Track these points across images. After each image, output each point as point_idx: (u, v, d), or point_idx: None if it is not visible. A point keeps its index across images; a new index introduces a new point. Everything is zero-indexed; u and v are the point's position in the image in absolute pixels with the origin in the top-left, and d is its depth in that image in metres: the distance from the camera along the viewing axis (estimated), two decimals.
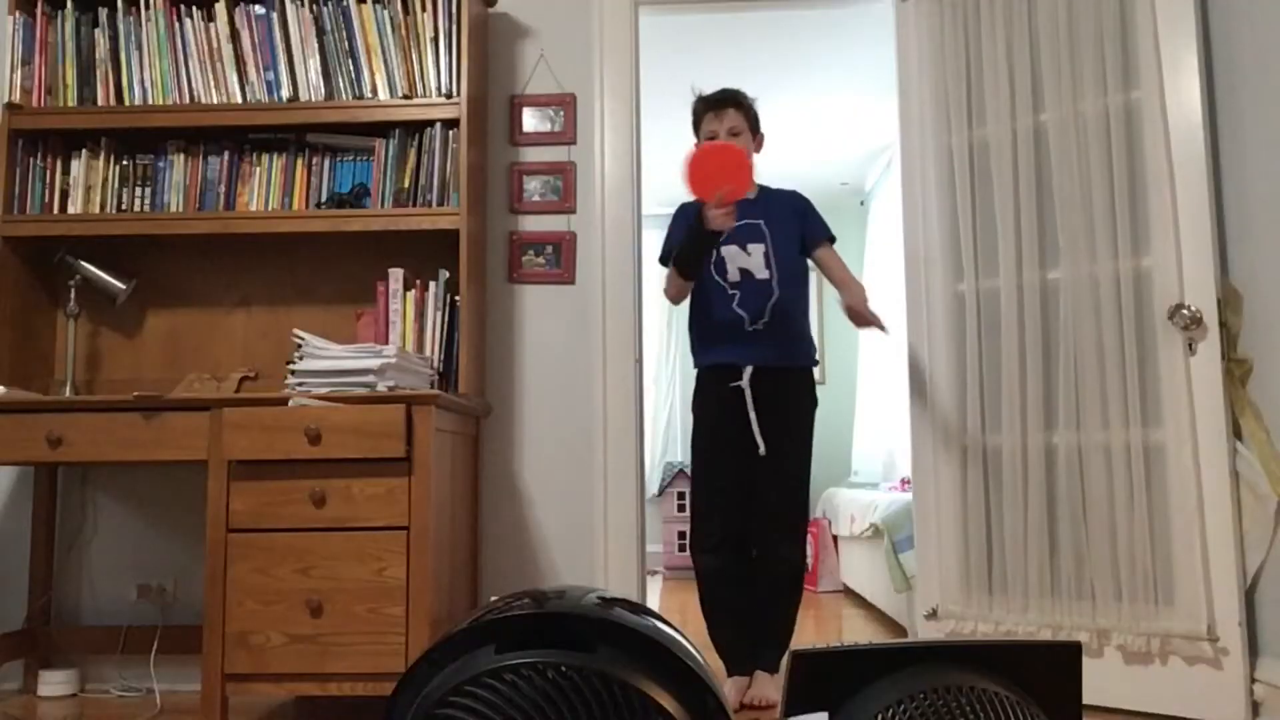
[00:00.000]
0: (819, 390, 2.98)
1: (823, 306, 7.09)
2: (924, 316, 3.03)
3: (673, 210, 3.03)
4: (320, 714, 2.77)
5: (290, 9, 2.99)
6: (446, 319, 2.92)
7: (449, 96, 2.93)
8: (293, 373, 2.55)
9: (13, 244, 2.93)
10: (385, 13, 2.97)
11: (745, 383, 2.78)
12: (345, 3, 2.98)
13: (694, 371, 2.97)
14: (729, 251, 2.86)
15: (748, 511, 2.82)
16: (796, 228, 2.92)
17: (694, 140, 2.98)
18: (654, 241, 3.01)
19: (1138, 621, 2.61)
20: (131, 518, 3.11)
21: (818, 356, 3.05)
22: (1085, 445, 2.72)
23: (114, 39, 3.01)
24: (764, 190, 2.97)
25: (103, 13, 3.02)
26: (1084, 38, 2.79)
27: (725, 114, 2.91)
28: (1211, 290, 2.56)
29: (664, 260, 2.93)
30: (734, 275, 2.85)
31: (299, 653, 2.38)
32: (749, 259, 2.85)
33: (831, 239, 2.95)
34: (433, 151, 2.93)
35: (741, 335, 2.83)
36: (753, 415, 2.77)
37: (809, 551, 5.82)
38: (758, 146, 2.97)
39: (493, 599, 1.44)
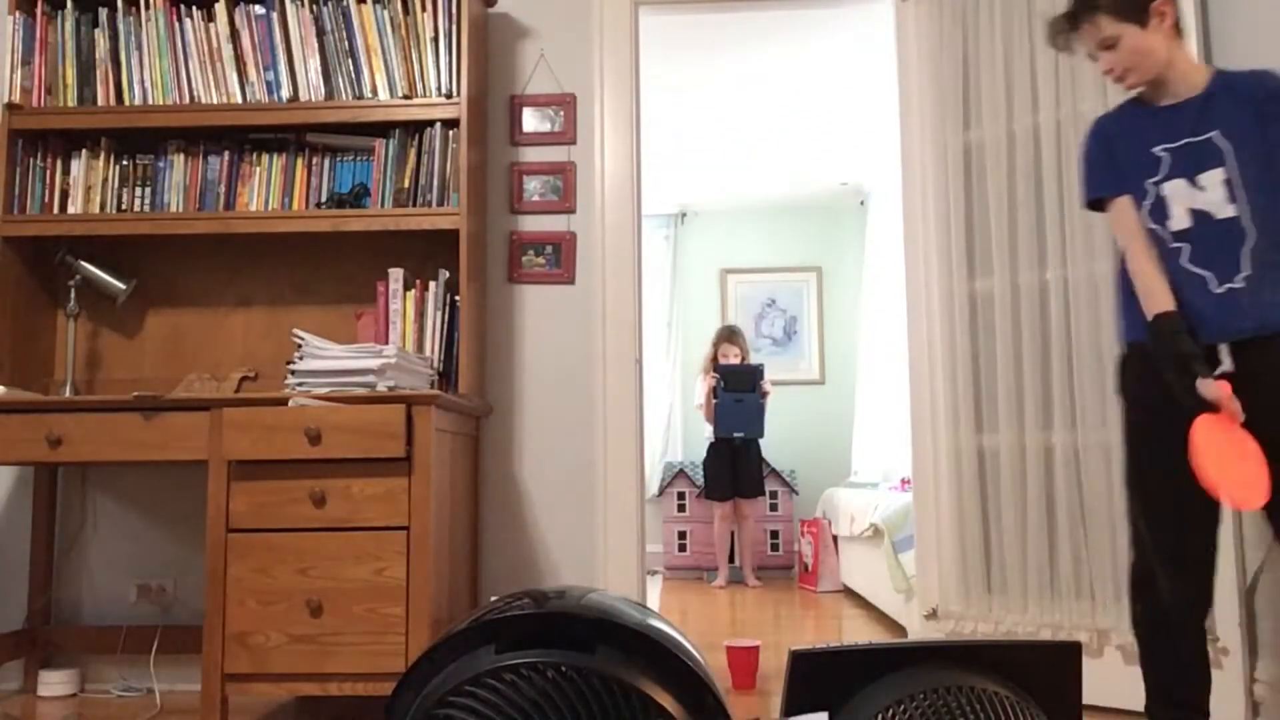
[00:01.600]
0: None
1: (822, 296, 7.10)
2: (924, 316, 3.03)
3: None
4: (320, 714, 2.77)
5: (290, 9, 2.99)
6: (446, 319, 2.92)
7: (449, 96, 2.93)
8: (293, 373, 2.55)
9: (13, 244, 2.93)
10: (385, 13, 2.97)
11: (1228, 365, 2.03)
12: (345, 3, 2.98)
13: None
14: (1172, 189, 2.07)
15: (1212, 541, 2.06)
16: (1264, 137, 2.03)
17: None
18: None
19: None
20: (131, 518, 3.11)
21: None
22: (1084, 445, 2.73)
23: (114, 39, 3.01)
24: (1218, 79, 2.10)
25: (103, 13, 3.02)
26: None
27: (1082, 33, 2.13)
28: None
29: (1094, 203, 2.20)
30: (1180, 221, 2.06)
31: (299, 653, 2.38)
32: (1202, 194, 2.05)
33: None
34: (433, 151, 2.93)
35: (1208, 301, 2.03)
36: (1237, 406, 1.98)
37: (809, 551, 5.84)
38: (1166, 21, 2.08)
39: (493, 599, 1.44)
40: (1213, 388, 1.95)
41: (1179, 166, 2.06)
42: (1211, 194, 2.04)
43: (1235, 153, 2.03)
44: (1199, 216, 2.05)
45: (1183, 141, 2.06)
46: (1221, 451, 1.94)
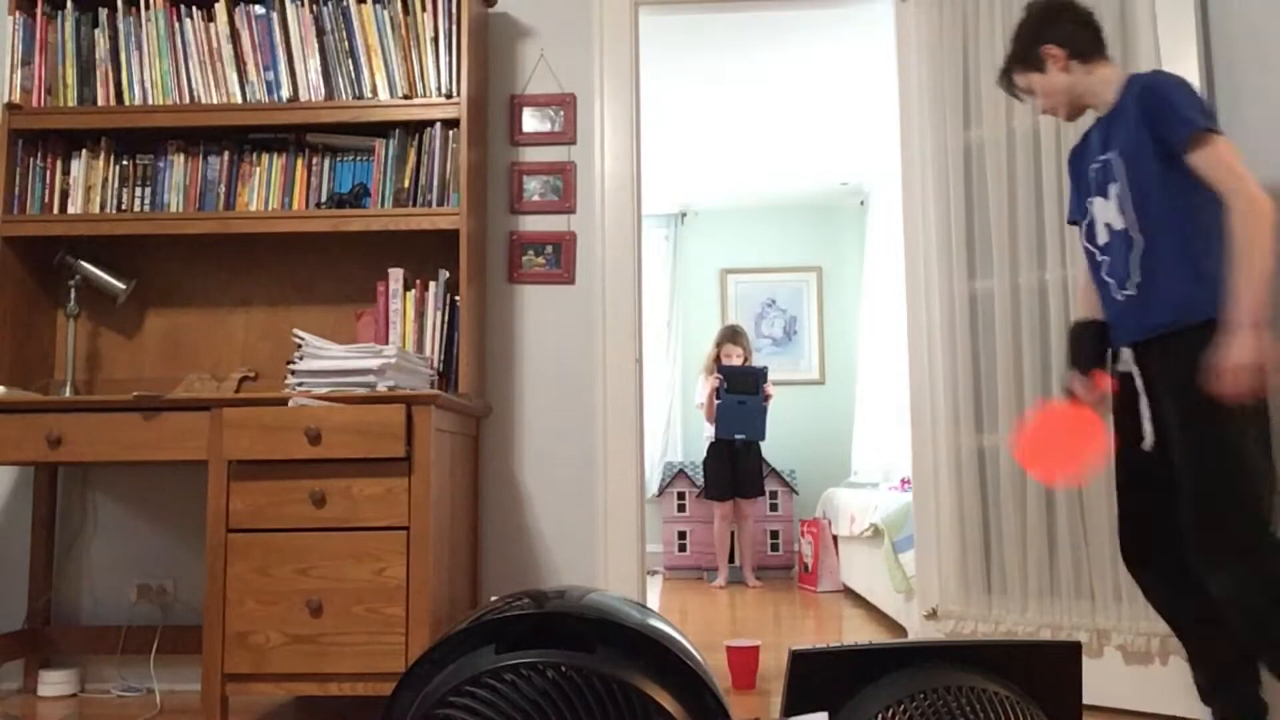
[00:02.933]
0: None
1: (822, 296, 7.10)
2: (924, 316, 3.03)
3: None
4: (320, 714, 2.77)
5: (290, 9, 2.99)
6: (446, 319, 2.92)
7: (449, 96, 2.93)
8: (293, 373, 2.55)
9: (13, 244, 2.93)
10: (385, 13, 2.97)
11: (1128, 365, 2.21)
12: (345, 3, 2.98)
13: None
14: (1097, 206, 2.26)
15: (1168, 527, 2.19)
16: (1144, 140, 2.13)
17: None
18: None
19: (1137, 621, 2.61)
20: (131, 518, 3.11)
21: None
22: None
23: (114, 39, 3.01)
24: (1124, 93, 2.21)
25: (103, 13, 3.02)
26: None
27: (1012, 83, 2.37)
28: None
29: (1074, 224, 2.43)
30: (1102, 236, 2.25)
31: (299, 653, 2.38)
32: (1111, 208, 2.21)
33: (1195, 138, 2.04)
34: (433, 151, 2.93)
35: (1114, 307, 2.24)
36: (1143, 406, 2.18)
37: (809, 551, 5.84)
38: (1058, 61, 2.25)
39: (493, 599, 1.44)
40: (1073, 381, 2.28)
41: (1098, 184, 2.25)
42: (1113, 207, 2.22)
43: (1125, 167, 2.18)
44: (1109, 230, 2.23)
45: (1099, 160, 2.25)
46: (1047, 429, 2.27)
